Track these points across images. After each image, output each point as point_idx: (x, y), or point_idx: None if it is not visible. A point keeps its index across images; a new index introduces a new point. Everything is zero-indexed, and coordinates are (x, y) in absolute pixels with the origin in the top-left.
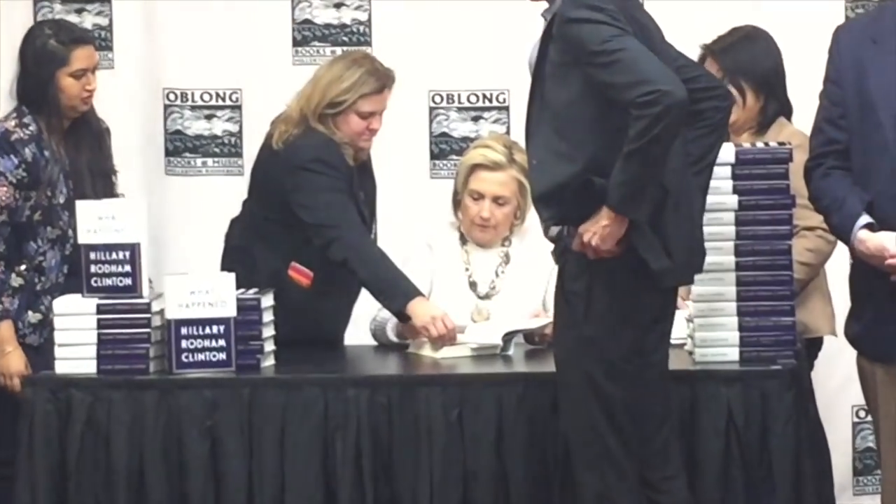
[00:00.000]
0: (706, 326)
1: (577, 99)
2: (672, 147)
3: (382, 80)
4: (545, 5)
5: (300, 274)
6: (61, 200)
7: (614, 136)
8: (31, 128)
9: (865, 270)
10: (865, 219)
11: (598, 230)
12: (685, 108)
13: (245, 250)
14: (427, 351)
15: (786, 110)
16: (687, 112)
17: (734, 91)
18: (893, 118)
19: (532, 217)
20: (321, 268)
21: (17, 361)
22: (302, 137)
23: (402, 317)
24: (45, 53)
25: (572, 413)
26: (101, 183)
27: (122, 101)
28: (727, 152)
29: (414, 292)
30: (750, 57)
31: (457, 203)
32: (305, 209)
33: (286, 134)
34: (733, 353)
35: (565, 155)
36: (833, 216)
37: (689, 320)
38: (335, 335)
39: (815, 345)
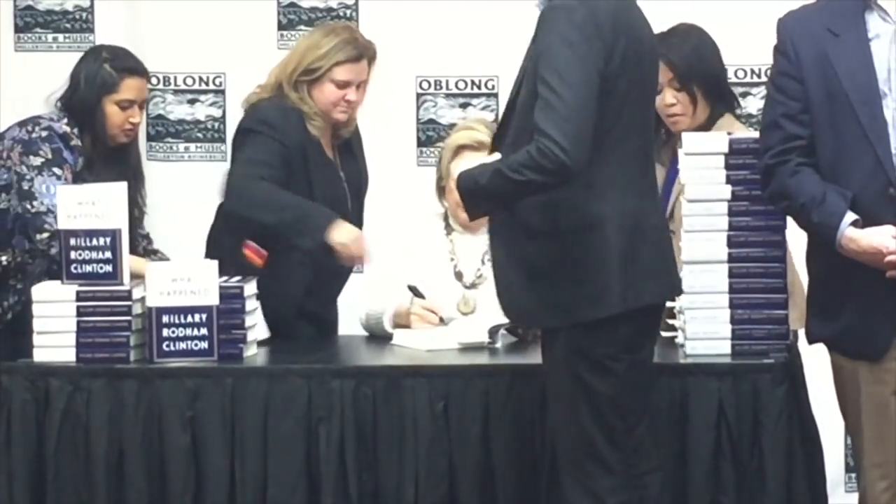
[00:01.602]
0: (697, 319)
1: (531, 100)
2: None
3: (360, 49)
4: None
5: (254, 253)
6: None
7: None
8: (78, 141)
9: (843, 267)
10: (852, 216)
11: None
12: (570, 178)
13: (226, 237)
14: (411, 342)
15: (731, 104)
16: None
17: (685, 97)
18: (870, 110)
19: None
20: (276, 248)
21: None
22: (265, 101)
23: (327, 250)
24: (97, 76)
25: (560, 410)
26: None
27: None
28: (721, 142)
29: (328, 216)
30: (696, 55)
31: (441, 189)
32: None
33: (256, 97)
34: (725, 347)
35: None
36: (813, 214)
37: (680, 312)
38: (327, 308)
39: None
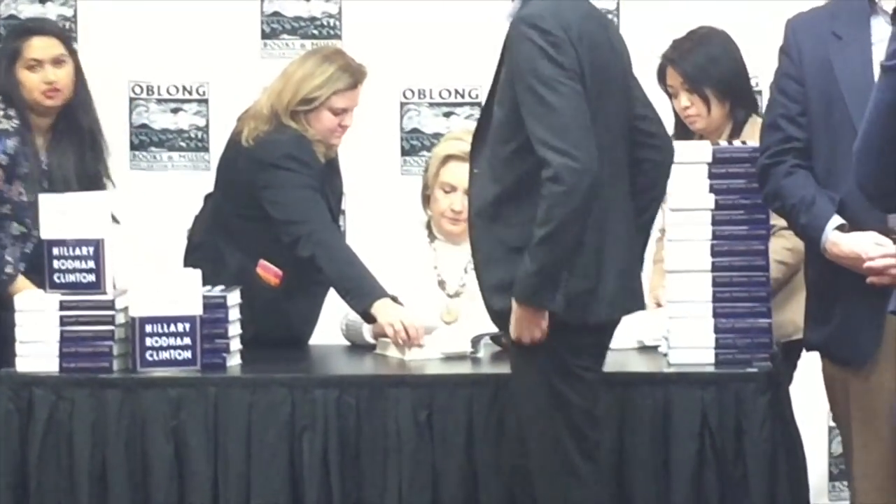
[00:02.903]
0: (681, 328)
1: (507, 119)
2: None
3: (355, 76)
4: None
5: (269, 272)
6: (31, 199)
7: (539, 164)
8: (14, 121)
9: (832, 272)
10: (837, 220)
11: (520, 329)
12: (594, 186)
13: (211, 247)
14: (394, 352)
15: (754, 107)
16: (597, 187)
17: (698, 100)
18: (863, 114)
19: None
20: (290, 267)
21: None
22: (273, 134)
23: (368, 317)
24: (4, 50)
25: (533, 422)
26: (84, 187)
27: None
28: (704, 151)
29: (380, 292)
30: (709, 61)
31: (426, 198)
32: (275, 206)
33: (256, 131)
34: (708, 356)
35: (492, 175)
36: (801, 216)
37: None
38: (302, 336)
39: (797, 346)
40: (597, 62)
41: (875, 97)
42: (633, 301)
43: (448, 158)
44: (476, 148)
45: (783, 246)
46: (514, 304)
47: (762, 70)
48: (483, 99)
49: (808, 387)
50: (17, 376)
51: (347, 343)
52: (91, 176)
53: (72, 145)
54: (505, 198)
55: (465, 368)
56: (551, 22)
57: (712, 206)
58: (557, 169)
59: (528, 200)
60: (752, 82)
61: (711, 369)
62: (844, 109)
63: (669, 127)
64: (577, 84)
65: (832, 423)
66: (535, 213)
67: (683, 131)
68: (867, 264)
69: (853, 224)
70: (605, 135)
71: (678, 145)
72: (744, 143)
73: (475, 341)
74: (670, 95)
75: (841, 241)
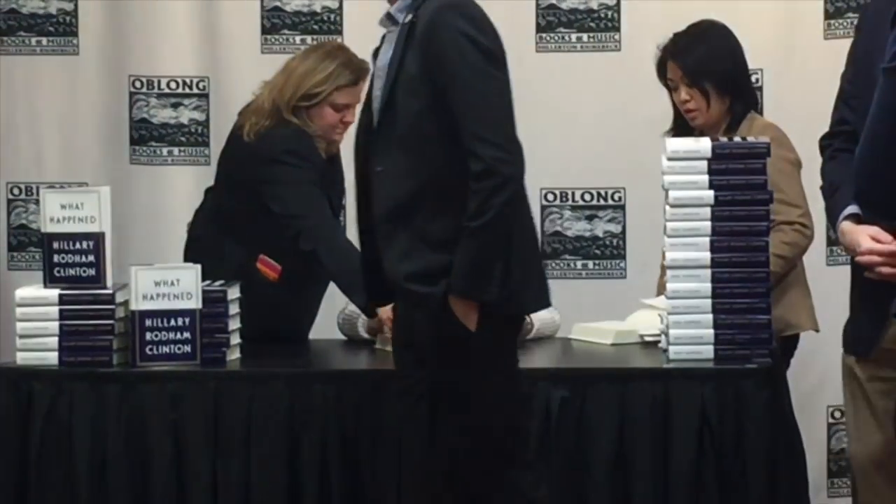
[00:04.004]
0: (681, 324)
1: (425, 111)
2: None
3: (357, 72)
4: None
5: (268, 267)
6: None
7: (460, 155)
8: None
9: (854, 263)
10: (850, 209)
11: (464, 320)
12: (522, 178)
13: (211, 241)
14: (591, 337)
15: (753, 102)
16: (523, 179)
17: (698, 94)
18: None
19: None
20: (290, 261)
21: None
22: (274, 129)
23: (368, 311)
24: None
25: (475, 414)
26: None
27: (87, 88)
28: (703, 147)
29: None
30: (710, 56)
31: None
32: (277, 200)
33: (257, 126)
34: (708, 351)
35: (407, 170)
36: (827, 202)
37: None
38: (302, 330)
39: (791, 342)
40: (502, 45)
41: (877, 99)
42: (549, 294)
43: None
44: (376, 144)
45: (781, 240)
46: (451, 300)
47: (764, 65)
48: None
49: (807, 383)
50: (17, 370)
51: (345, 337)
52: None
53: None
54: (425, 192)
55: None
56: (476, 9)
57: (712, 201)
58: (490, 162)
59: (452, 193)
60: (752, 78)
61: (711, 365)
62: None
63: (662, 120)
64: (503, 72)
65: (831, 420)
66: (459, 206)
67: (682, 125)
68: (856, 258)
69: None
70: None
71: (678, 141)
72: (744, 138)
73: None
74: (670, 89)
75: (846, 231)
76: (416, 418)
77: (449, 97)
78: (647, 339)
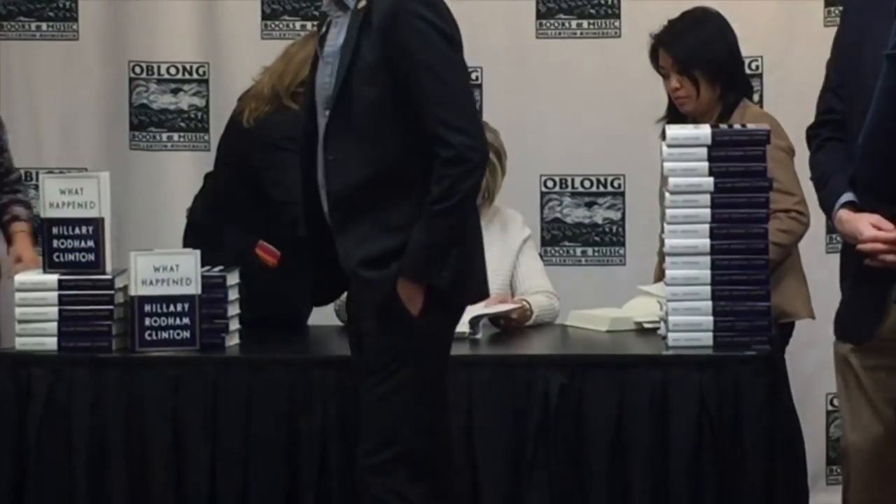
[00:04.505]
0: (680, 311)
1: (382, 99)
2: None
3: None
4: None
5: (267, 253)
6: None
7: (419, 142)
8: None
9: (848, 250)
10: (847, 197)
11: (408, 304)
12: (486, 164)
13: (210, 227)
14: (587, 324)
15: (746, 91)
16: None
17: (688, 83)
18: None
19: (499, 200)
20: (289, 247)
21: None
22: (274, 115)
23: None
24: None
25: (390, 407)
26: None
27: (86, 73)
28: (703, 133)
29: None
30: (701, 45)
31: None
32: (275, 186)
33: (257, 111)
34: (707, 338)
35: (364, 158)
36: (820, 191)
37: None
38: (300, 316)
39: (787, 329)
40: (459, 30)
41: (880, 86)
42: (487, 287)
43: None
44: (328, 133)
45: (777, 228)
46: (401, 281)
47: (763, 53)
48: (483, 80)
49: (805, 371)
50: (16, 355)
51: (342, 323)
52: None
53: None
54: (381, 181)
55: (464, 350)
56: None
57: (712, 188)
58: (459, 149)
59: (409, 181)
60: (752, 65)
61: (710, 352)
62: (868, 83)
63: (662, 107)
64: (461, 57)
65: (830, 407)
66: (416, 194)
67: (676, 113)
68: (858, 246)
69: (872, 203)
70: None
71: (678, 128)
72: (744, 125)
73: (473, 322)
74: (663, 76)
75: (845, 219)
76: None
77: (413, 85)
78: (646, 325)
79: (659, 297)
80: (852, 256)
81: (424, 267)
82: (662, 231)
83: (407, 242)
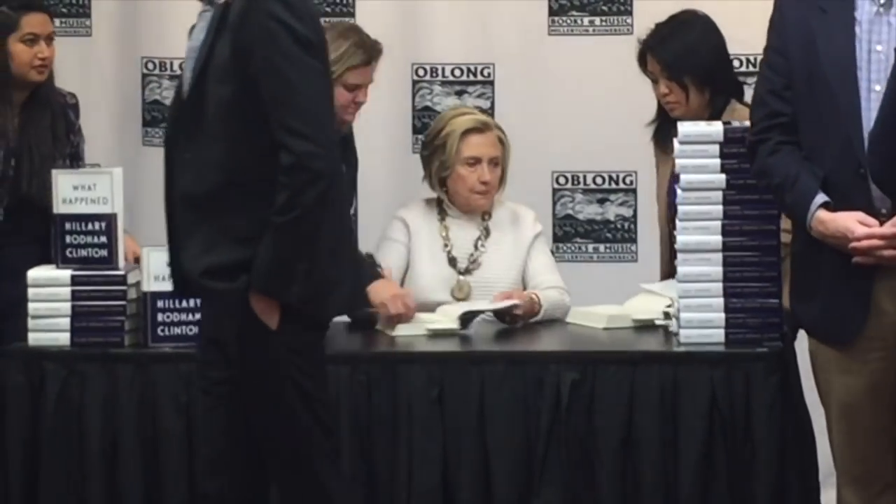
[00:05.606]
0: (691, 307)
1: (234, 99)
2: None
3: (370, 52)
4: None
5: None
6: None
7: (273, 147)
8: None
9: (817, 250)
10: (822, 198)
11: (263, 318)
12: (336, 174)
13: None
14: (585, 321)
15: (736, 92)
16: (338, 175)
17: (677, 88)
18: (846, 90)
19: (508, 192)
20: None
21: None
22: None
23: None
24: None
25: (278, 414)
26: (50, 164)
27: (99, 69)
28: (716, 130)
29: (369, 278)
30: (688, 50)
31: (441, 179)
32: None
33: None
34: (718, 335)
35: (214, 160)
36: (786, 195)
37: (670, 305)
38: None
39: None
40: (323, 35)
41: (890, 82)
42: (362, 298)
43: (466, 133)
44: (182, 130)
45: (783, 227)
46: (251, 296)
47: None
48: (495, 78)
49: None
50: (29, 350)
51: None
52: (54, 153)
53: (38, 122)
54: (231, 184)
55: (476, 346)
56: None
57: (724, 185)
58: (300, 156)
59: (260, 187)
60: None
61: (721, 349)
62: (826, 85)
63: (652, 110)
64: (319, 61)
65: None
66: (267, 201)
67: (665, 116)
68: (852, 244)
69: (838, 201)
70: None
71: (690, 124)
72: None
73: (465, 319)
74: (652, 81)
75: (827, 219)
76: (214, 415)
77: (260, 86)
78: (645, 323)
79: (661, 296)
80: (823, 257)
81: (271, 282)
82: (674, 228)
83: (254, 255)
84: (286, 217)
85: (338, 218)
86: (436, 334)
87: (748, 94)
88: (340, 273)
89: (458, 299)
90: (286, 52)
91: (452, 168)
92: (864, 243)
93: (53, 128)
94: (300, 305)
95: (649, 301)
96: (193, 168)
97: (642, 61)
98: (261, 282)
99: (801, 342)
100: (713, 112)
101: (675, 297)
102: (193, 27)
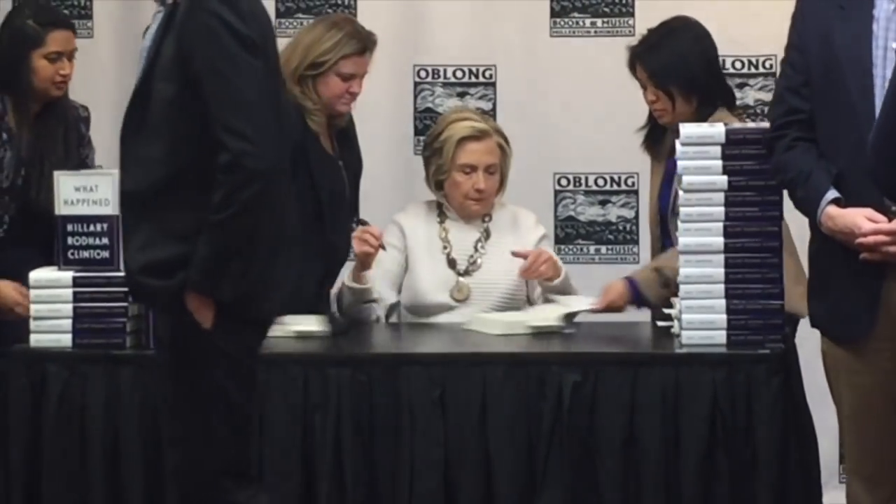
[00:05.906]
0: (693, 309)
1: (177, 98)
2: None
3: (363, 41)
4: None
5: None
6: (4, 185)
7: (215, 145)
8: None
9: (830, 247)
10: (833, 194)
11: (197, 316)
12: (275, 173)
13: None
14: (482, 328)
15: (726, 100)
16: (278, 174)
17: (664, 96)
18: (861, 87)
19: (510, 194)
20: None
21: None
22: None
23: None
24: (21, 33)
25: (192, 421)
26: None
27: (101, 71)
28: (718, 132)
29: None
30: (676, 59)
31: (439, 182)
32: None
33: None
34: (720, 337)
35: (157, 158)
36: (798, 190)
37: (672, 306)
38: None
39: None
40: (270, 35)
41: (893, 81)
42: (303, 301)
43: (463, 140)
44: (130, 128)
45: None
46: (188, 294)
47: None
48: (497, 79)
49: (819, 369)
50: (31, 352)
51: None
52: (66, 164)
53: (51, 134)
54: (174, 183)
55: (477, 347)
56: None
57: (726, 187)
58: (237, 154)
59: (201, 185)
60: (767, 63)
61: (723, 350)
62: (843, 82)
63: (643, 116)
64: (260, 61)
65: None
66: (208, 199)
67: (656, 122)
68: (859, 240)
69: (851, 198)
70: (282, 117)
71: (692, 126)
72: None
73: (568, 317)
74: (642, 87)
75: (836, 214)
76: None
77: (202, 84)
78: (542, 329)
79: (567, 307)
80: (836, 253)
81: (205, 279)
82: (662, 230)
83: (191, 252)
84: (221, 215)
85: (280, 218)
86: (540, 332)
87: (751, 96)
88: (281, 273)
89: (458, 301)
90: (226, 51)
91: (448, 173)
92: (871, 239)
93: (66, 140)
94: (235, 304)
95: (546, 309)
96: (138, 165)
97: (633, 68)
98: (194, 279)
99: (804, 343)
100: (699, 120)
101: (583, 307)
102: (148, 28)
